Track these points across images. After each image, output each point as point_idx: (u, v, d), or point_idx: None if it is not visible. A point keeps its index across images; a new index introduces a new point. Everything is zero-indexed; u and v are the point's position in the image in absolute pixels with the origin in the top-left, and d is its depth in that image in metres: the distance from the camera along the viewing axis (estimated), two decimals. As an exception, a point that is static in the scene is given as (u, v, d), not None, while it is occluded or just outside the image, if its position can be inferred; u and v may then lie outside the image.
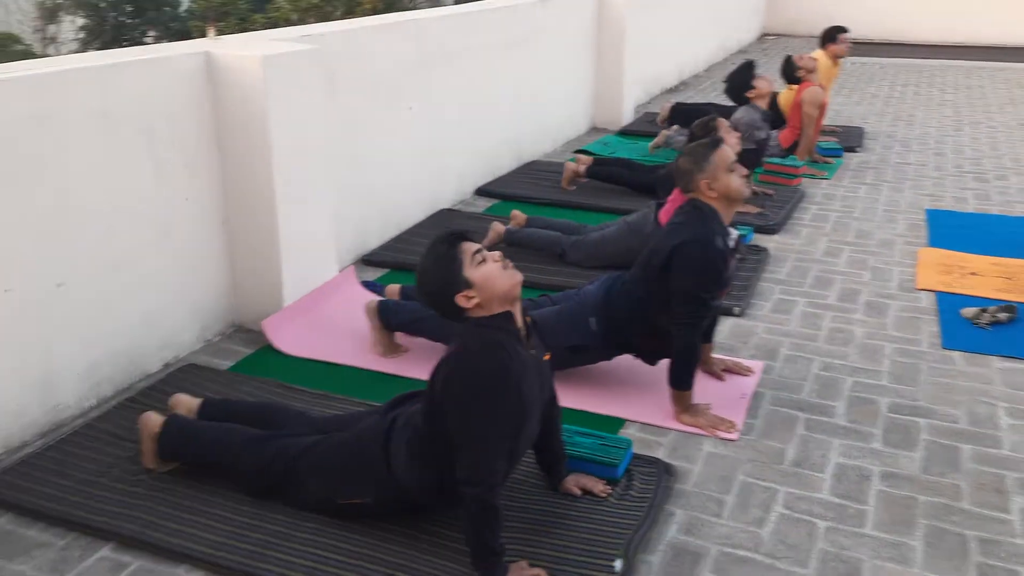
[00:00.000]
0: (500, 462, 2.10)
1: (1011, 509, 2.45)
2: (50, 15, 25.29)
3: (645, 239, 3.95)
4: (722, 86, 5.65)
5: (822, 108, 5.86)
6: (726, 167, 2.81)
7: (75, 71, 2.75)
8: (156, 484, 2.47)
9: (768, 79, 5.01)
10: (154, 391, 2.96)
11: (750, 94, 4.96)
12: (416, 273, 2.21)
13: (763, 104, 5.00)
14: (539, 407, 2.24)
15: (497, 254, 2.16)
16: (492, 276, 2.12)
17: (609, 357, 3.05)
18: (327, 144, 3.59)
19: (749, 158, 4.86)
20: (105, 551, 2.26)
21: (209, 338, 3.40)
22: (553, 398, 2.41)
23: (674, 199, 3.92)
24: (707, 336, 3.12)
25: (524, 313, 2.25)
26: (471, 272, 2.10)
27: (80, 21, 24.51)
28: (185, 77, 3.13)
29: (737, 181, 2.83)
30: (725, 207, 2.86)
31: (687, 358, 2.82)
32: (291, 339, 3.34)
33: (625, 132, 6.76)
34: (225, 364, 3.23)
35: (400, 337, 3.31)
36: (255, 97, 3.16)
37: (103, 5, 24.01)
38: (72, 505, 2.38)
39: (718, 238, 2.79)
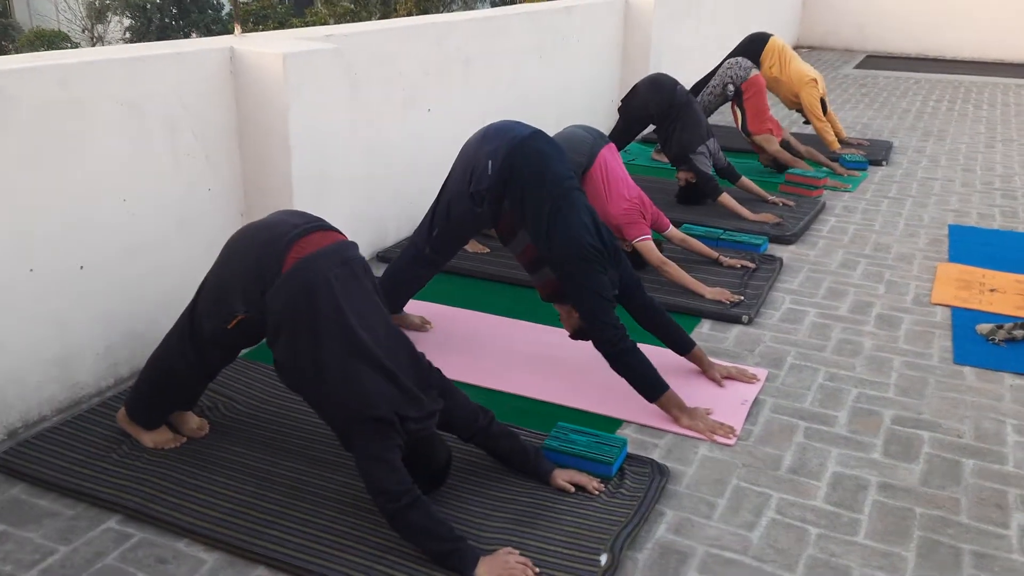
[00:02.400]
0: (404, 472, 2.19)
1: (1011, 525, 2.44)
2: (98, 15, 25.91)
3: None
4: None
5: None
6: None
7: (104, 62, 2.85)
8: (162, 461, 2.55)
9: None
10: (168, 374, 3.05)
11: None
12: None
13: None
14: None
15: None
16: None
17: (495, 216, 3.05)
18: (346, 141, 3.67)
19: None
20: (111, 523, 2.34)
21: (225, 326, 3.49)
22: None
23: (610, 155, 3.98)
24: (683, 346, 3.14)
25: None
26: None
27: (127, 22, 25.09)
28: (210, 71, 3.22)
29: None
30: None
31: (629, 370, 2.86)
32: (304, 330, 3.42)
33: (647, 140, 6.77)
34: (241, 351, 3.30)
35: (408, 307, 3.46)
36: (276, 93, 3.25)
37: (149, 7, 24.55)
38: (82, 478, 2.47)
39: None
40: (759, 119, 5.75)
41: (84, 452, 2.58)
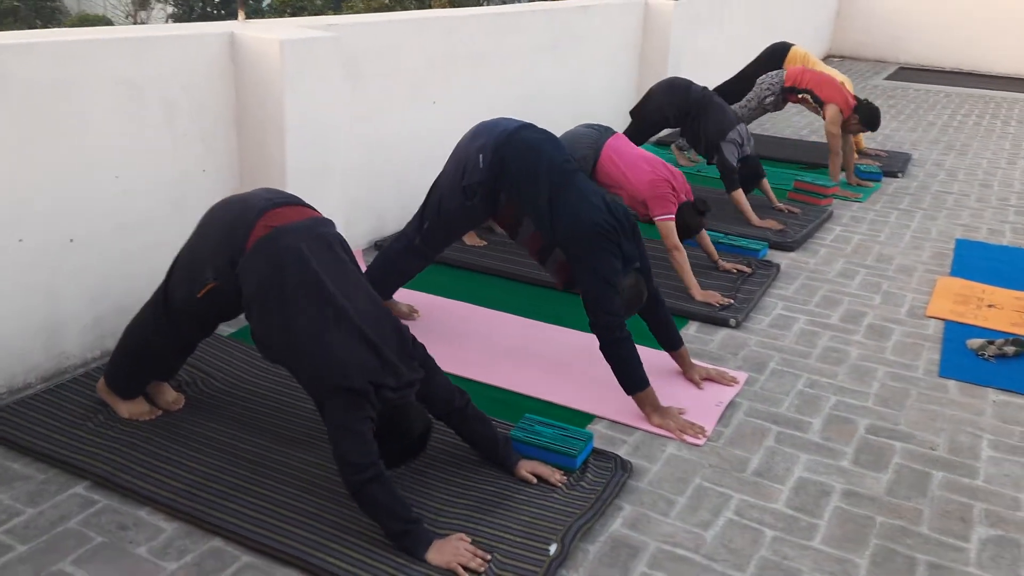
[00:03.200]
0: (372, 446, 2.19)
1: (971, 538, 2.42)
2: (142, 2, 26.35)
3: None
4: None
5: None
6: None
7: (101, 41, 2.92)
8: (135, 432, 2.61)
9: None
10: (155, 350, 3.11)
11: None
12: None
13: None
14: None
15: None
16: None
17: (489, 210, 3.10)
18: (343, 129, 3.71)
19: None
20: (79, 488, 2.40)
21: (217, 306, 3.55)
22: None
23: (619, 142, 3.98)
24: (672, 343, 3.15)
25: None
26: None
27: (170, 9, 25.50)
28: (209, 55, 3.28)
29: None
30: None
31: (618, 359, 2.86)
32: (292, 313, 3.47)
33: (662, 143, 6.76)
34: (226, 331, 3.37)
35: (398, 295, 3.50)
36: (272, 78, 3.30)
37: (192, -5, 24.95)
38: (57, 444, 2.53)
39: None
40: (826, 86, 5.73)
41: (61, 420, 2.65)
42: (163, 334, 2.55)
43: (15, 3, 24.05)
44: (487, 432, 2.54)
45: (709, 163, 5.07)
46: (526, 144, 3.02)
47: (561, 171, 2.99)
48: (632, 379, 2.87)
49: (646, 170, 3.88)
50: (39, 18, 24.01)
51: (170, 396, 2.75)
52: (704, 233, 4.15)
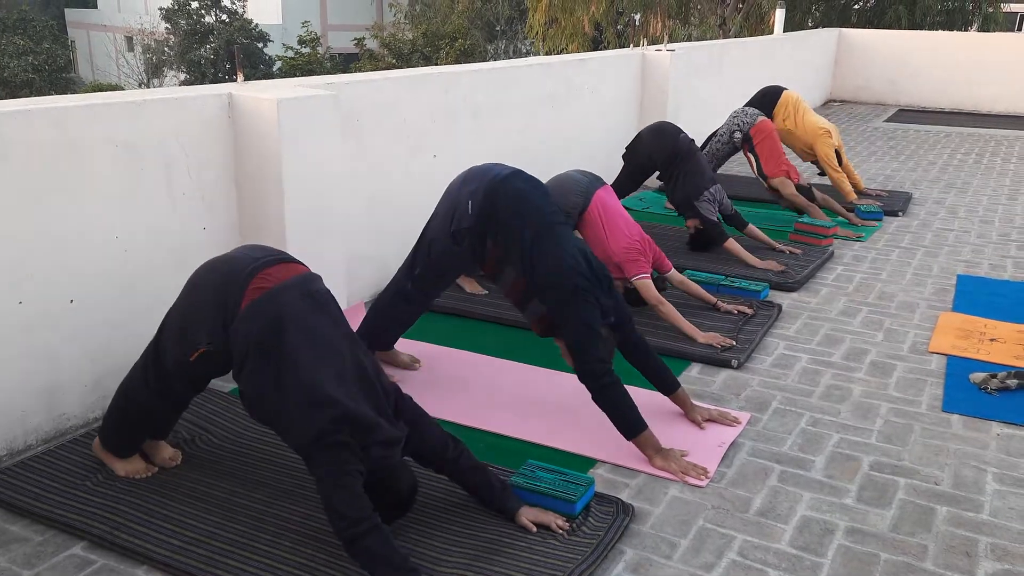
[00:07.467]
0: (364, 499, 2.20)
1: (976, 573, 2.38)
2: (155, 70, 27.03)
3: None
4: None
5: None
6: None
7: (99, 105, 2.99)
8: (132, 489, 2.61)
9: None
10: (156, 408, 3.12)
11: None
12: None
13: None
14: None
15: None
16: None
17: (477, 256, 3.11)
18: (342, 184, 3.77)
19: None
20: (76, 549, 2.39)
21: (219, 363, 3.57)
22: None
23: (608, 195, 4.03)
24: (668, 386, 3.14)
25: None
26: None
27: (182, 76, 26.12)
28: (208, 116, 3.36)
29: None
30: None
31: (610, 404, 2.85)
32: (292, 367, 3.49)
33: (663, 190, 6.80)
34: (227, 387, 3.38)
35: (401, 345, 3.48)
36: (270, 137, 3.37)
37: (203, 63, 25.52)
38: (54, 505, 2.53)
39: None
40: (773, 161, 5.76)
41: (60, 480, 2.65)
42: (155, 394, 2.56)
43: (30, 76, 24.73)
44: (483, 480, 2.53)
45: (679, 212, 5.16)
46: (515, 191, 3.05)
47: (546, 221, 3.00)
48: (628, 423, 2.86)
49: (624, 234, 3.96)
50: (54, 89, 24.62)
51: (167, 453, 2.76)
52: (687, 281, 4.22)
